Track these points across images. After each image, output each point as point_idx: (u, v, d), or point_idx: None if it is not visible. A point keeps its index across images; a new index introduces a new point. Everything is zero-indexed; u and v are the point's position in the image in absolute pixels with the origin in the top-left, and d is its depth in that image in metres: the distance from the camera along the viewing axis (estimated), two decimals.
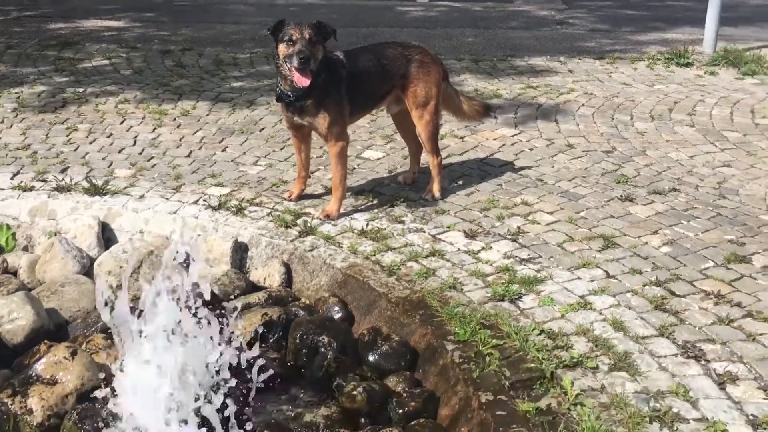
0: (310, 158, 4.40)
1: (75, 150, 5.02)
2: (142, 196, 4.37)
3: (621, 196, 4.35)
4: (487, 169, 4.81)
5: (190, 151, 5.05)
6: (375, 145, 5.18)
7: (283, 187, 4.50)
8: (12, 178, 4.55)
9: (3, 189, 4.43)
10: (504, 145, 5.18)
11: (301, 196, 4.35)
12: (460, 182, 4.61)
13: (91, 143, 5.14)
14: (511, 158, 4.96)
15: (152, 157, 4.93)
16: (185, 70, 6.81)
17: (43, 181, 4.52)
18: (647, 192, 4.41)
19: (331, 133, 4.01)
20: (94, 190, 4.38)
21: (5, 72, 6.59)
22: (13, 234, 4.19)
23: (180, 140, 5.23)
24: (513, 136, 5.33)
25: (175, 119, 5.60)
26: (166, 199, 4.36)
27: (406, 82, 4.21)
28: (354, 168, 4.76)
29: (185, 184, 4.55)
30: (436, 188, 4.40)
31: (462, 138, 5.30)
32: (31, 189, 4.42)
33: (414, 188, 4.51)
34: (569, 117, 5.69)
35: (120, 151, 5.02)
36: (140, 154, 4.99)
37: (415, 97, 4.22)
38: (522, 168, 4.80)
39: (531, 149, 5.11)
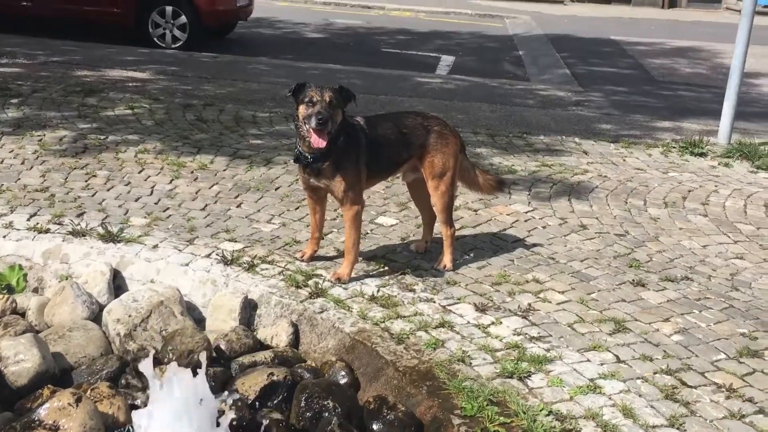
0: (324, 220, 4.43)
1: (92, 196, 5.06)
2: (155, 246, 4.39)
3: (633, 280, 4.35)
4: (499, 243, 4.82)
5: (206, 205, 5.08)
6: (389, 211, 5.21)
7: (296, 246, 4.51)
8: (29, 219, 4.57)
9: (19, 230, 4.45)
10: (517, 221, 5.20)
11: (314, 258, 4.36)
12: (472, 255, 4.61)
13: (108, 190, 5.18)
14: (524, 234, 4.98)
15: (168, 208, 4.96)
16: (206, 124, 6.89)
17: (59, 224, 4.55)
18: (659, 278, 4.41)
19: (347, 197, 4.04)
20: (109, 237, 4.40)
21: (29, 115, 6.68)
22: (25, 275, 4.19)
23: (196, 193, 5.27)
24: (526, 212, 5.36)
25: (192, 172, 5.65)
26: (179, 250, 4.37)
27: (424, 152, 4.26)
28: (367, 233, 4.78)
29: (199, 237, 4.56)
30: (447, 259, 4.41)
31: (476, 211, 5.33)
32: (47, 231, 4.44)
33: (426, 257, 4.51)
34: (583, 197, 5.72)
35: (137, 200, 5.05)
36: (156, 204, 5.03)
37: (432, 167, 4.27)
38: (534, 245, 4.81)
39: (544, 227, 5.13)
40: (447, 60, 12.38)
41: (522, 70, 12.18)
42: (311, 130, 3.80)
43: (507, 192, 5.48)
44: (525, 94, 9.69)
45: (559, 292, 4.16)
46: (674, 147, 7.23)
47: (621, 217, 5.38)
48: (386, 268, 4.34)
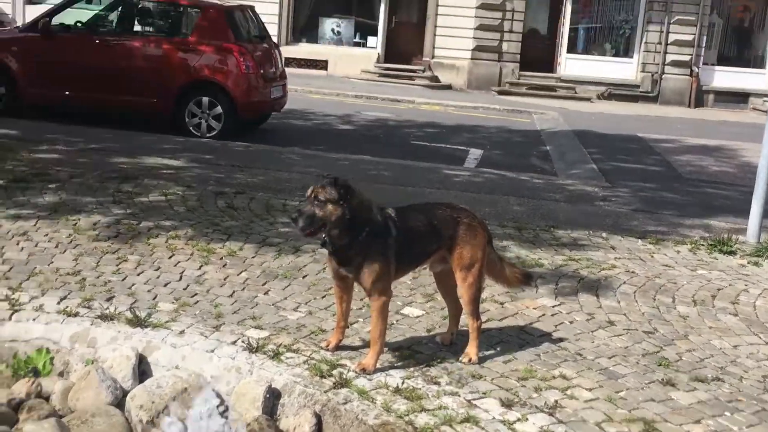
0: (350, 309, 4.44)
1: (123, 280, 5.13)
2: (182, 332, 4.41)
3: (662, 379, 4.28)
4: (525, 337, 4.79)
5: (233, 291, 5.12)
6: (415, 302, 5.21)
7: (321, 335, 4.52)
8: (59, 303, 4.63)
9: (48, 312, 4.50)
10: (544, 315, 5.17)
11: (339, 347, 4.35)
12: (498, 348, 4.58)
13: (138, 275, 5.25)
14: (551, 329, 4.94)
15: (196, 294, 5.01)
16: (236, 212, 7.00)
17: (88, 308, 4.60)
18: (689, 378, 4.34)
19: (375, 288, 4.05)
20: (136, 322, 4.44)
21: (66, 200, 6.84)
22: (51, 358, 4.22)
23: (224, 279, 5.32)
24: (553, 306, 5.33)
25: (221, 258, 5.72)
26: (205, 336, 4.39)
27: (453, 244, 4.28)
28: (392, 324, 4.78)
29: (225, 323, 4.59)
30: (473, 352, 4.38)
31: (502, 304, 5.31)
32: (76, 315, 4.49)
33: (451, 349, 4.49)
34: (610, 293, 5.69)
35: (165, 285, 5.11)
36: (185, 289, 5.08)
37: (461, 258, 4.29)
38: (561, 340, 4.77)
39: (571, 322, 5.09)
40: (475, 153, 12.54)
41: (549, 164, 12.30)
42: None
43: (534, 286, 5.47)
44: (552, 188, 9.76)
45: (586, 389, 4.11)
46: (703, 244, 7.20)
47: (649, 314, 5.34)
48: (411, 359, 4.32)
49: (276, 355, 4.21)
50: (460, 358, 4.36)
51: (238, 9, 12.26)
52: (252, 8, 12.81)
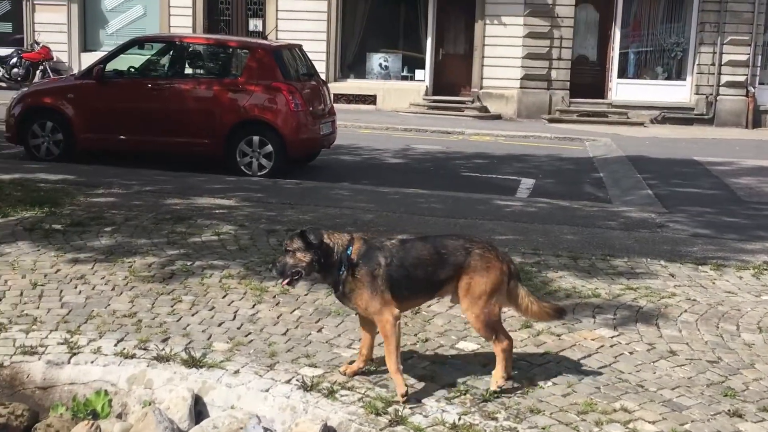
0: (373, 341, 4.46)
1: (177, 321, 5.17)
2: (236, 372, 4.41)
3: (729, 410, 4.13)
4: (584, 369, 4.68)
5: (287, 330, 5.12)
6: (470, 336, 5.14)
7: (375, 373, 4.47)
8: (116, 345, 4.68)
9: (106, 354, 4.55)
10: (602, 346, 5.05)
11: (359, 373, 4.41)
12: (556, 381, 4.48)
13: (193, 315, 5.29)
14: (610, 360, 4.82)
15: (250, 333, 5.02)
16: None
17: (144, 349, 4.64)
18: (757, 408, 4.18)
19: (372, 313, 4.24)
20: (192, 362, 4.46)
21: (121, 242, 6.95)
22: (110, 400, 4.26)
23: (278, 318, 5.32)
24: (612, 337, 5.21)
25: (274, 297, 5.73)
26: (260, 376, 4.38)
27: (461, 273, 4.28)
28: (448, 358, 4.72)
29: (279, 362, 4.58)
30: (499, 375, 4.31)
31: (559, 336, 5.21)
32: (133, 356, 4.53)
33: (508, 384, 4.40)
34: (671, 322, 5.54)
35: (220, 325, 5.13)
36: (238, 329, 5.09)
37: (467, 288, 4.27)
38: (621, 372, 4.65)
39: (631, 353, 4.96)
40: (527, 183, 12.44)
41: (603, 191, 12.13)
42: None
43: (565, 319, 5.21)
44: (607, 216, 9.60)
45: (649, 422, 3.98)
46: (766, 269, 6.98)
47: (713, 343, 5.17)
48: (467, 395, 4.25)
49: (330, 393, 4.18)
50: (490, 387, 4.29)
51: (286, 48, 12.45)
52: (300, 47, 12.99)
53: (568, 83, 22.12)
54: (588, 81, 22.48)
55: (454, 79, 22.49)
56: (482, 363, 4.71)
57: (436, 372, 4.55)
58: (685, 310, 5.79)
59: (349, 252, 4.22)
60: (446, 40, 22.68)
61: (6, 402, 4.13)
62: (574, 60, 22.31)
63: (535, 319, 4.69)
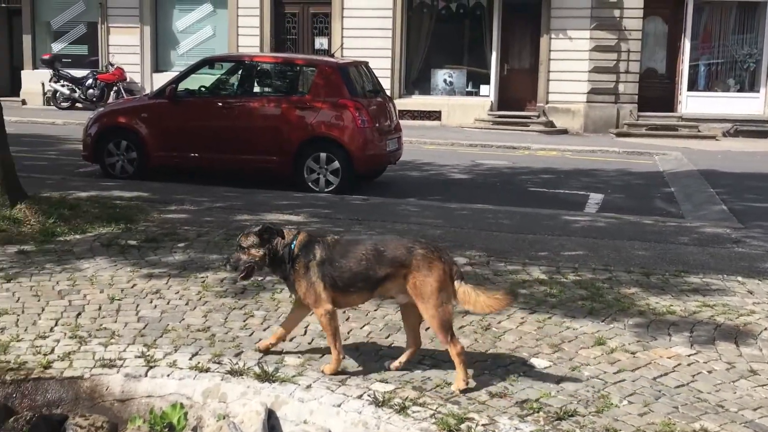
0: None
1: (250, 335, 5.23)
2: (308, 386, 4.44)
3: None
4: (660, 388, 4.58)
5: (357, 345, 5.13)
6: (542, 353, 5.08)
7: (447, 388, 4.45)
8: (191, 358, 4.76)
9: (181, 368, 4.63)
10: (679, 364, 4.93)
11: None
12: (632, 400, 4.39)
13: (264, 330, 5.34)
14: (688, 380, 4.70)
15: (321, 348, 5.04)
16: None
17: (218, 363, 4.71)
18: None
19: (309, 302, 4.63)
20: (265, 377, 4.50)
21: (194, 258, 7.08)
22: (185, 413, 4.33)
23: (348, 333, 5.34)
24: (689, 356, 5.08)
25: (344, 312, 5.75)
26: (332, 391, 4.40)
27: (407, 273, 4.47)
28: (519, 375, 4.68)
29: (350, 377, 4.59)
30: (460, 378, 4.43)
31: (634, 353, 5.11)
32: (207, 370, 4.60)
33: (582, 402, 4.33)
34: (751, 340, 5.38)
35: (291, 340, 5.17)
36: (309, 343, 5.13)
37: (415, 288, 4.47)
38: (700, 391, 4.53)
39: (709, 371, 4.83)
40: (595, 198, 12.26)
41: (675, 206, 11.87)
42: None
43: (517, 301, 4.97)
44: (679, 231, 9.39)
45: None
46: None
47: None
48: (540, 412, 4.19)
49: (402, 409, 4.17)
50: (451, 389, 4.43)
51: (352, 65, 12.56)
52: (366, 64, 13.09)
53: (636, 97, 21.78)
54: (657, 94, 22.09)
55: (519, 94, 22.36)
56: (555, 380, 4.65)
57: (508, 389, 4.50)
58: (766, 328, 5.62)
59: (292, 246, 4.58)
60: (511, 55, 22.58)
61: (87, 414, 4.23)
62: (642, 73, 21.97)
63: (489, 310, 4.61)
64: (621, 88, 21.67)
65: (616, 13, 21.28)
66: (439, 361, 4.89)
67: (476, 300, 4.50)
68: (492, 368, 4.80)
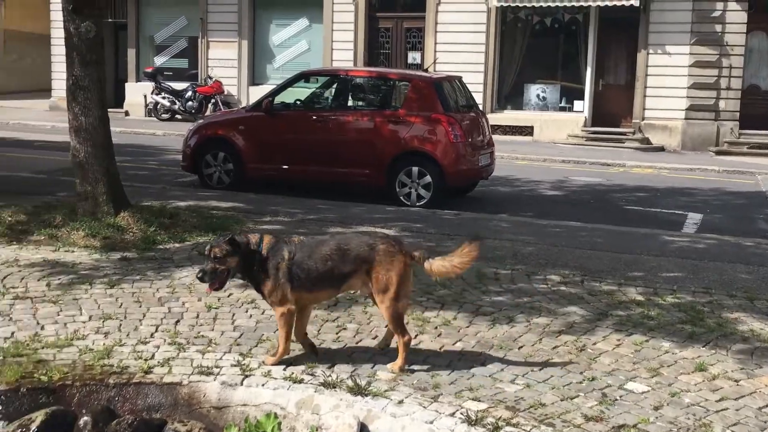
0: (305, 324, 5.07)
1: (342, 347, 5.27)
2: (401, 402, 4.44)
3: None
4: (766, 419, 4.38)
5: (449, 362, 5.10)
6: (639, 377, 4.94)
7: (541, 409, 4.38)
8: (285, 369, 4.82)
9: (276, 378, 4.70)
10: None
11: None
12: (735, 430, 4.23)
13: (357, 343, 5.37)
14: None
15: (413, 363, 5.03)
16: (448, 281, 7.02)
17: (311, 374, 4.75)
18: None
19: (272, 301, 4.85)
20: (357, 390, 4.52)
21: None
22: (279, 423, 4.38)
23: (440, 349, 5.32)
24: None
25: (436, 328, 5.74)
26: (424, 407, 4.39)
27: (370, 268, 4.76)
28: (616, 399, 4.56)
29: (443, 394, 4.57)
30: (399, 362, 4.85)
31: (737, 381, 4.92)
32: (300, 381, 4.65)
33: (683, 430, 4.19)
34: None
35: (384, 354, 5.18)
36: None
37: (377, 282, 4.77)
38: None
39: None
40: (694, 218, 11.88)
41: None
42: None
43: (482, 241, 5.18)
44: None
45: None
46: None
47: None
48: None
49: (495, 429, 4.13)
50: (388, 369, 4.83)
51: (446, 80, 12.55)
52: (459, 78, 13.07)
53: (738, 114, 21.04)
54: (761, 112, 21.28)
55: (614, 110, 21.90)
56: (654, 406, 4.52)
57: (604, 413, 4.40)
58: None
59: (260, 248, 4.76)
60: (606, 70, 22.16)
61: (185, 420, 4.33)
62: (744, 90, 21.21)
63: (468, 264, 4.85)
64: (722, 104, 20.98)
65: (718, 27, 20.64)
66: (533, 381, 4.82)
67: (452, 265, 4.81)
68: (587, 390, 4.70)
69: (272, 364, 4.84)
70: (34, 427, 4.15)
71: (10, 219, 8.36)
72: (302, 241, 4.92)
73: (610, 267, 7.77)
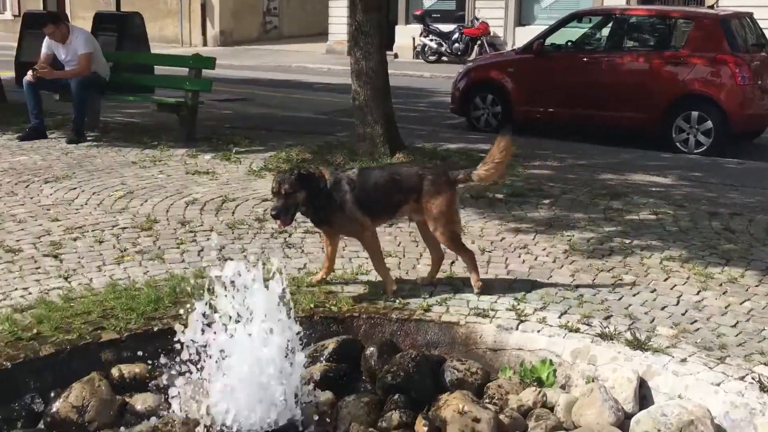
0: (336, 252, 5.32)
1: (619, 300, 5.14)
2: (683, 360, 4.26)
3: None
4: None
5: (737, 322, 4.80)
6: None
7: None
8: (559, 317, 4.80)
9: (551, 326, 4.69)
10: None
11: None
12: None
13: (634, 296, 5.21)
14: None
15: (695, 321, 4.80)
16: (734, 234, 6.59)
17: (587, 324, 4.69)
18: None
19: (351, 231, 5.13)
20: (636, 344, 4.40)
21: (559, 215, 7.11)
22: (554, 371, 4.38)
23: (726, 308, 5.02)
24: None
25: (721, 285, 5.41)
26: (709, 368, 4.18)
27: (419, 197, 4.95)
28: None
29: (730, 356, 4.32)
30: (475, 279, 5.14)
31: None
32: (576, 331, 4.61)
33: None
34: None
35: (663, 309, 4.99)
36: (683, 315, 4.91)
37: (428, 210, 4.97)
38: None
39: None
40: None
41: None
42: None
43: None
44: None
45: None
46: None
47: None
48: None
49: None
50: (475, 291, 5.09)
51: (734, 17, 11.59)
52: (750, 15, 12.01)
53: None
54: None
55: None
56: None
57: None
58: None
59: (323, 181, 4.84)
60: None
61: (463, 359, 4.46)
62: None
63: (507, 158, 5.02)
64: None
65: None
66: None
67: (494, 164, 4.95)
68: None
69: (391, 294, 5.05)
70: (326, 352, 4.48)
71: (297, 157, 9.00)
72: (355, 172, 5.06)
73: None
